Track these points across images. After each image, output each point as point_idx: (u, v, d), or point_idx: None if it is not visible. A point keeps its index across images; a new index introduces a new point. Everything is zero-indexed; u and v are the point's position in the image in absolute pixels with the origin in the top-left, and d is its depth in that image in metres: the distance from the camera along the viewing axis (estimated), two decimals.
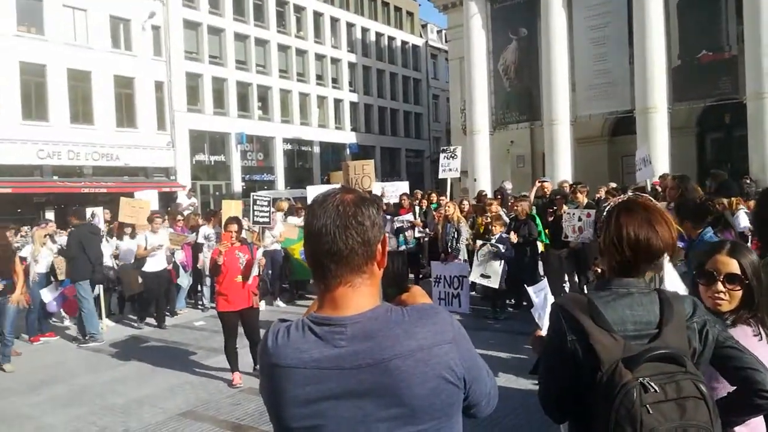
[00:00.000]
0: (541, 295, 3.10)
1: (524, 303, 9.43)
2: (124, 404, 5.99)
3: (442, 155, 12.06)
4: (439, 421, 1.25)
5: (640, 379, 1.46)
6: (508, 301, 9.54)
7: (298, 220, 11.62)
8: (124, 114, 27.63)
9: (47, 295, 8.73)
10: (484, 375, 1.36)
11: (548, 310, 2.98)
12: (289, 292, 11.65)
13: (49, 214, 23.50)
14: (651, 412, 1.44)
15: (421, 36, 47.81)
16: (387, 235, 1.41)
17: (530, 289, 3.27)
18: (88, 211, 11.07)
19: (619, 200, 1.79)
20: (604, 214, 1.75)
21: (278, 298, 11.05)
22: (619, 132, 21.70)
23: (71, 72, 25.55)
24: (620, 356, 1.52)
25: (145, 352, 8.00)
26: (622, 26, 18.39)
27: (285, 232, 11.03)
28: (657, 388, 1.45)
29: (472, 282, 9.16)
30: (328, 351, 1.22)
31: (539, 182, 11.09)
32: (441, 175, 11.99)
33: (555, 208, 9.31)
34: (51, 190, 24.44)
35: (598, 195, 10.06)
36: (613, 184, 11.80)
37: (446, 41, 40.62)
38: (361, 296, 1.27)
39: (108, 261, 10.00)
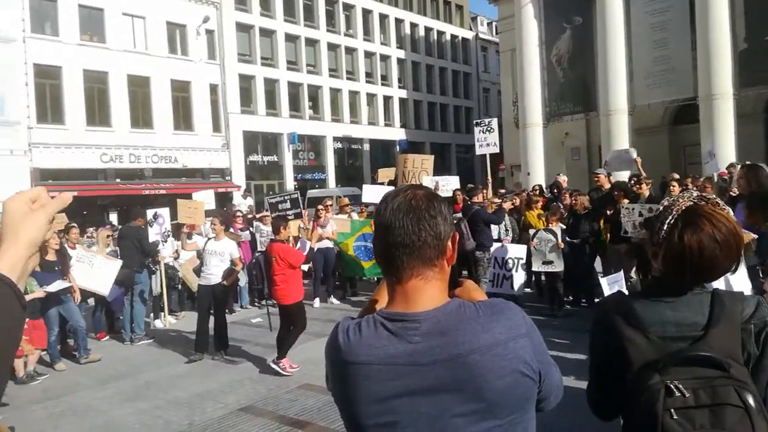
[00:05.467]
0: (615, 288, 2.98)
1: (583, 301, 9.19)
2: (187, 398, 6.15)
3: (477, 129, 11.69)
4: (516, 415, 1.25)
5: (666, 381, 1.40)
6: (565, 299, 9.29)
7: (345, 218, 11.71)
8: (181, 117, 28.54)
9: (111, 293, 8.98)
10: (554, 368, 1.36)
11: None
12: (342, 289, 11.72)
13: (113, 216, 24.57)
14: (675, 417, 1.37)
15: (470, 29, 47.25)
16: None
17: (604, 280, 3.15)
18: (150, 212, 11.43)
19: (683, 202, 1.60)
20: (665, 226, 1.57)
21: (331, 295, 11.14)
22: (680, 121, 20.82)
23: (131, 78, 26.56)
24: (653, 358, 1.46)
25: (206, 348, 8.19)
26: (684, 9, 17.61)
27: (337, 228, 11.10)
28: (686, 393, 1.37)
29: (534, 272, 8.99)
30: (402, 347, 1.23)
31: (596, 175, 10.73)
32: (478, 151, 11.72)
33: (613, 202, 8.97)
34: (114, 192, 25.53)
35: (672, 187, 9.46)
36: (676, 175, 11.31)
37: (497, 33, 40.00)
38: (432, 290, 1.28)
39: (170, 260, 10.31)
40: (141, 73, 26.81)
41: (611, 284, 2.97)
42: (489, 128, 11.29)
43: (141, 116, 27.03)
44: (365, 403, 1.24)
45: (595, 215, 8.99)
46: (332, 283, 11.39)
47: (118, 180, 26.01)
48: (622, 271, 3.82)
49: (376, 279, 11.66)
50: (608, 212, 8.63)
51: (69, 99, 24.61)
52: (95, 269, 8.45)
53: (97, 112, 25.67)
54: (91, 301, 9.69)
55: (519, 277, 8.89)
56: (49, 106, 24.38)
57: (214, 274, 7.67)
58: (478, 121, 12.04)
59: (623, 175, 12.16)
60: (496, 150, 11.79)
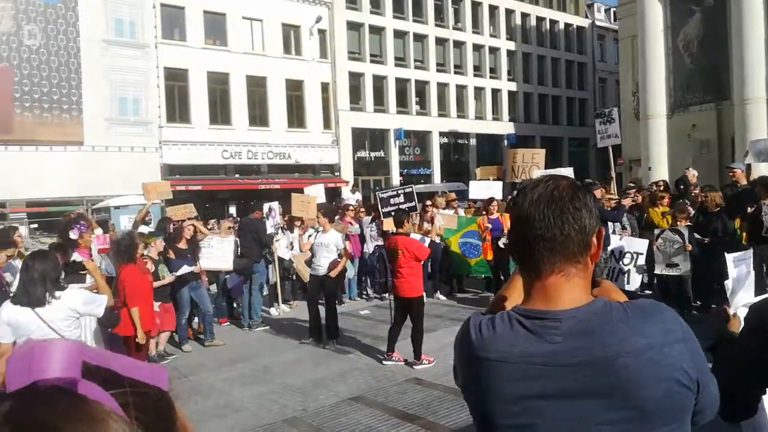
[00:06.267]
0: (742, 267, 2.65)
1: (713, 307, 8.45)
2: (301, 385, 6.37)
3: (597, 121, 11.08)
4: (671, 427, 1.15)
5: None
6: (694, 303, 8.57)
7: (452, 213, 11.59)
8: (294, 115, 29.76)
9: (231, 280, 9.54)
10: (712, 379, 1.24)
11: (748, 284, 2.57)
12: (448, 285, 11.61)
13: (232, 209, 26.12)
14: None
15: (586, 17, 45.03)
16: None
17: (730, 257, 2.81)
18: (265, 206, 11.99)
19: None
20: None
21: (438, 291, 11.07)
22: None
23: (250, 78, 28.07)
24: None
25: (318, 337, 8.45)
26: None
27: (444, 223, 11.00)
28: None
29: (657, 275, 8.39)
30: (540, 346, 1.16)
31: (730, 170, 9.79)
32: (599, 144, 11.10)
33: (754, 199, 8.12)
34: (233, 187, 27.16)
35: None
36: None
37: (615, 20, 37.87)
38: (575, 288, 1.20)
39: (284, 252, 10.76)
40: (258, 74, 28.26)
41: (737, 262, 2.64)
42: (610, 118, 10.66)
43: (258, 115, 28.51)
44: (499, 402, 1.18)
45: (731, 213, 8.20)
46: (439, 279, 11.32)
47: (236, 175, 27.64)
48: (751, 249, 3.41)
49: (483, 276, 11.47)
50: (749, 209, 7.83)
51: (194, 99, 26.49)
52: (215, 250, 9.10)
53: (219, 111, 27.41)
54: (214, 288, 10.34)
55: (636, 274, 8.31)
56: (177, 106, 26.38)
57: (322, 266, 7.95)
58: (598, 111, 11.45)
59: (761, 169, 11.01)
60: (618, 141, 11.11)
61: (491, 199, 10.40)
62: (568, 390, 1.13)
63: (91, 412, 0.48)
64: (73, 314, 3.93)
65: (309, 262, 9.26)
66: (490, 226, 9.89)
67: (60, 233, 6.80)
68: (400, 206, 8.41)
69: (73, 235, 6.03)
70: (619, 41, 30.83)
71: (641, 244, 8.34)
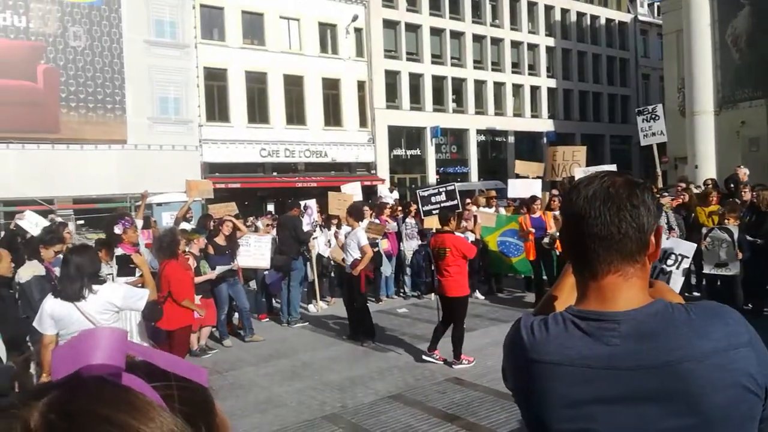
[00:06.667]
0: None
1: (765, 310, 8.11)
2: (339, 382, 6.37)
3: (639, 118, 10.72)
4: None
5: None
6: (745, 306, 8.24)
7: (490, 210, 11.42)
8: (330, 114, 29.92)
9: (270, 277, 9.63)
10: None
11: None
12: (487, 284, 11.47)
13: (270, 206, 26.42)
14: None
15: (628, 11, 43.94)
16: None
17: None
18: (302, 203, 12.05)
19: None
20: None
21: (476, 290, 10.93)
22: None
23: (287, 77, 28.33)
24: None
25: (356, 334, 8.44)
26: None
27: (481, 221, 10.84)
28: None
29: (706, 275, 8.11)
30: (598, 349, 1.12)
31: None
32: (643, 142, 10.74)
33: None
34: (271, 185, 27.47)
35: None
36: None
37: (659, 14, 36.87)
38: (632, 288, 1.16)
39: (322, 250, 10.80)
40: (295, 73, 28.50)
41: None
42: (654, 115, 10.32)
43: (295, 113, 28.76)
44: (553, 406, 1.14)
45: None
46: (476, 279, 11.18)
47: (274, 173, 27.95)
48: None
49: (522, 276, 11.28)
50: None
51: (233, 99, 26.89)
52: (252, 248, 9.21)
53: (257, 110, 27.76)
54: (253, 284, 10.46)
55: (678, 277, 8.02)
56: (216, 105, 26.81)
57: (348, 264, 7.98)
58: (641, 108, 11.09)
59: None
60: (664, 139, 10.76)
61: (534, 198, 10.18)
62: (627, 394, 1.10)
63: (135, 402, 0.49)
64: (111, 308, 3.99)
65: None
66: (533, 230, 9.62)
67: (105, 229, 6.96)
68: (442, 204, 8.33)
69: (117, 230, 6.16)
70: (663, 36, 30.00)
71: (688, 248, 8.05)
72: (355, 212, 8.25)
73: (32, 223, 8.61)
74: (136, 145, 24.12)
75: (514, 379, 1.26)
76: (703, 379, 1.06)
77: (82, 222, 22.61)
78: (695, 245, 8.07)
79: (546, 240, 8.89)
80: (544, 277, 9.57)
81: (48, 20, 22.62)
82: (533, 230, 9.60)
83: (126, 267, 5.69)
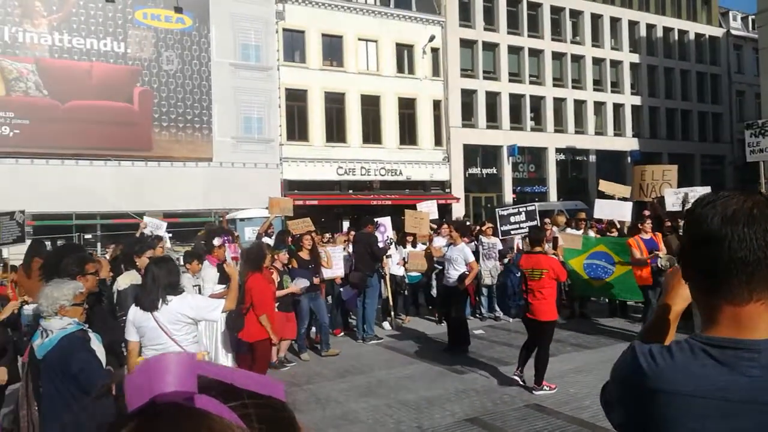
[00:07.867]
0: None
1: None
2: (415, 401, 6.27)
3: (747, 132, 10.09)
4: None
5: None
6: None
7: (578, 233, 10.99)
8: (406, 132, 30.12)
9: (346, 293, 9.74)
10: None
11: None
12: (569, 308, 11.03)
13: (345, 223, 26.79)
14: None
15: (720, 25, 41.69)
16: None
17: None
18: (375, 220, 12.10)
19: None
20: None
21: (558, 314, 10.52)
22: None
23: (364, 97, 28.84)
24: None
25: (431, 354, 8.33)
26: None
27: (565, 243, 10.47)
28: None
29: None
30: (735, 379, 1.03)
31: None
32: (749, 158, 10.09)
33: None
34: (347, 202, 27.90)
35: None
36: None
37: (754, 28, 34.79)
38: None
39: (396, 269, 10.78)
40: (373, 93, 28.96)
41: None
42: (763, 130, 9.68)
43: (371, 132, 29.18)
44: None
45: None
46: (558, 302, 10.76)
47: (350, 191, 28.38)
48: None
49: (607, 300, 10.77)
50: None
51: (312, 118, 27.65)
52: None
53: (335, 129, 28.39)
54: (330, 299, 10.57)
55: None
56: (296, 124, 27.65)
57: (452, 277, 8.44)
58: (749, 122, 10.45)
59: None
60: None
61: (645, 217, 9.44)
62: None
63: (213, 426, 0.48)
64: (183, 318, 4.08)
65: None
66: (648, 258, 8.70)
67: (205, 241, 7.28)
68: (521, 224, 8.14)
69: (216, 242, 6.46)
70: (759, 51, 28.26)
71: None
72: (461, 228, 8.42)
73: (154, 226, 9.67)
74: (221, 163, 25.21)
75: (627, 412, 1.15)
76: None
77: (170, 235, 23.78)
78: None
79: (664, 262, 8.17)
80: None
81: (144, 45, 24.21)
82: (647, 259, 8.66)
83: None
